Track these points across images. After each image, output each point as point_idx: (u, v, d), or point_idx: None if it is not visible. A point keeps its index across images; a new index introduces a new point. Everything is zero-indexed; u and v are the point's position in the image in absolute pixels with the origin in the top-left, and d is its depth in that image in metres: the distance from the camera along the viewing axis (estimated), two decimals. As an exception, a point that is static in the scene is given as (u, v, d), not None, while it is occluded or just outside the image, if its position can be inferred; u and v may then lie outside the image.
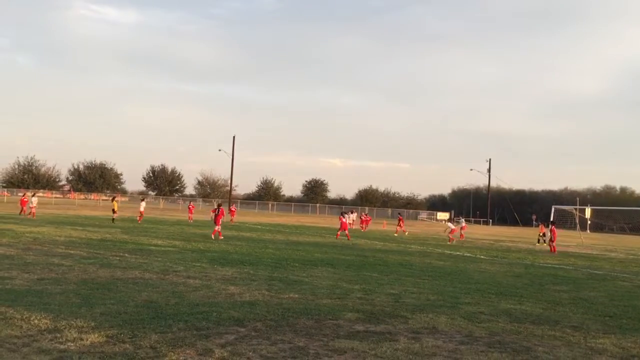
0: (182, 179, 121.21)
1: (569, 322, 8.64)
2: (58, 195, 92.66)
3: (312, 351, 6.12)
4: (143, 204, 37.23)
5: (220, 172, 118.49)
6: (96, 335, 6.29)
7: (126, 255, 15.00)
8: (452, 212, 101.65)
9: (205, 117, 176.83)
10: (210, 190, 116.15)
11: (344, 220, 30.13)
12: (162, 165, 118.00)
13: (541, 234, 34.89)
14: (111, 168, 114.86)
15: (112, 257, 14.35)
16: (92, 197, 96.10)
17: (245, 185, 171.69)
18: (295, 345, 6.31)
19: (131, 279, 10.69)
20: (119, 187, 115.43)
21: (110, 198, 43.54)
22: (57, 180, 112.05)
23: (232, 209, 46.46)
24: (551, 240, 27.59)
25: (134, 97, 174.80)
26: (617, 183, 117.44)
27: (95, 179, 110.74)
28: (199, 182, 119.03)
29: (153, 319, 7.22)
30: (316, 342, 6.49)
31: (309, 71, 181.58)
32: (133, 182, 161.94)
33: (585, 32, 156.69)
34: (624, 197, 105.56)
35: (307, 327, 7.29)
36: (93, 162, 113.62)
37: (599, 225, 65.75)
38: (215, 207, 26.95)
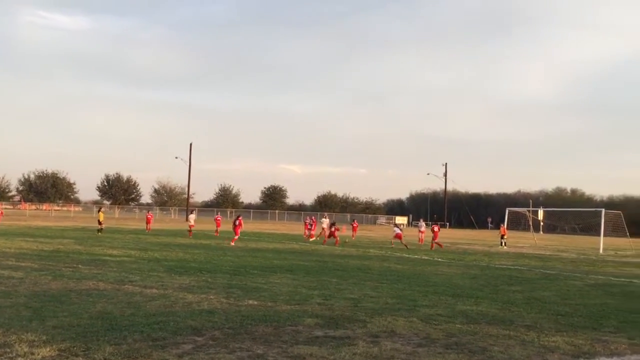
0: (138, 188, 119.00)
1: (523, 321, 8.84)
2: (8, 206, 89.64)
3: (271, 358, 6.09)
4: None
5: (177, 180, 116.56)
6: (48, 349, 6.11)
7: (80, 266, 14.63)
8: (410, 215, 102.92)
9: (160, 124, 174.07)
10: (167, 198, 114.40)
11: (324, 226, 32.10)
12: (117, 173, 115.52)
13: (502, 235, 35.48)
14: (64, 177, 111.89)
15: (65, 268, 13.97)
16: (44, 208, 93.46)
17: (203, 192, 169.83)
18: (253, 353, 6.26)
19: (85, 291, 10.43)
20: (72, 196, 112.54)
21: (97, 209, 42.66)
22: (6, 190, 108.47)
23: (218, 217, 42.44)
24: (433, 239, 29.84)
25: (86, 104, 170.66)
26: (568, 185, 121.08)
27: (47, 188, 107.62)
28: (156, 191, 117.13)
29: (107, 331, 7.06)
30: (275, 349, 6.46)
31: (266, 77, 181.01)
32: (87, 191, 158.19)
33: (535, 37, 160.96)
34: (574, 198, 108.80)
35: (266, 334, 7.24)
36: (45, 172, 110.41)
37: (551, 226, 67.52)
38: (234, 217, 30.01)
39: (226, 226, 36.83)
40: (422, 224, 36.41)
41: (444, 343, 7.08)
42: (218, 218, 40.74)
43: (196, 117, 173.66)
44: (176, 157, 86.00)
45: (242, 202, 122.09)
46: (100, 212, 35.36)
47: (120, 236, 30.78)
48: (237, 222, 28.20)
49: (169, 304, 9.24)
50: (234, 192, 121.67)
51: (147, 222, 40.58)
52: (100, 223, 33.62)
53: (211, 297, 10.17)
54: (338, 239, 30.53)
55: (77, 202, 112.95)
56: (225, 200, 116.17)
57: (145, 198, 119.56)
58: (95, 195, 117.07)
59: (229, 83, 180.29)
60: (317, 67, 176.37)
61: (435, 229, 31.67)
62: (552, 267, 20.47)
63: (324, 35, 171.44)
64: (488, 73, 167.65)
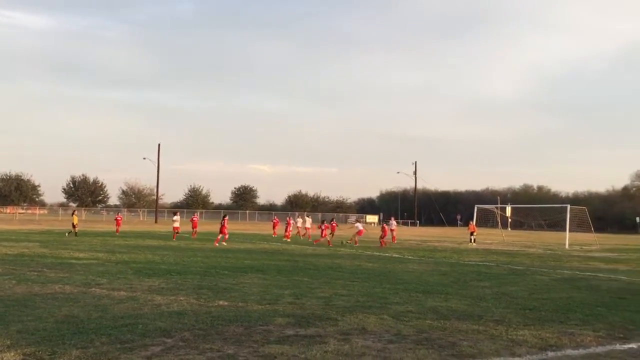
0: (105, 189, 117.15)
1: (492, 316, 8.95)
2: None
3: (242, 358, 6.04)
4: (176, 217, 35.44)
5: (145, 181, 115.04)
6: (12, 354, 5.96)
7: (45, 270, 14.32)
8: (381, 214, 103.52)
9: (128, 125, 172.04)
10: (135, 199, 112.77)
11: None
12: (83, 175, 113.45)
13: (472, 232, 35.87)
14: (28, 179, 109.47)
15: (30, 272, 13.67)
16: (8, 211, 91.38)
17: (172, 193, 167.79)
18: (224, 354, 6.21)
19: (50, 294, 10.21)
20: (37, 199, 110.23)
21: (71, 212, 41.79)
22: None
23: (194, 218, 38.93)
24: (381, 237, 30.02)
25: (50, 105, 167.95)
26: (535, 182, 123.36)
27: (11, 191, 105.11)
28: (124, 192, 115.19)
29: (74, 335, 6.92)
30: (246, 349, 6.41)
31: (234, 77, 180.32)
32: (52, 193, 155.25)
33: (502, 39, 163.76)
34: (541, 195, 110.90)
35: (237, 334, 7.19)
36: (8, 174, 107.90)
37: (519, 222, 68.72)
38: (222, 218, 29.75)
39: (168, 226, 36.30)
40: (393, 222, 36.47)
41: (414, 339, 7.13)
42: (194, 219, 38.36)
43: (164, 117, 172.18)
44: (144, 158, 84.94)
45: (213, 203, 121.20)
46: (74, 215, 35.36)
47: (87, 239, 30.25)
48: (223, 223, 28.65)
49: (137, 307, 9.11)
50: (203, 192, 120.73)
51: (117, 224, 39.87)
52: (74, 226, 33.65)
53: (181, 298, 10.05)
54: (328, 239, 30.49)
55: (42, 204, 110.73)
56: (195, 201, 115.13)
57: (113, 200, 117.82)
58: (61, 198, 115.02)
59: (197, 83, 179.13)
60: (286, 67, 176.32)
61: (388, 226, 31.71)
62: (519, 262, 20.80)
63: (293, 35, 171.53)
64: (456, 73, 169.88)
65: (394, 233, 35.64)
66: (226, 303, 9.63)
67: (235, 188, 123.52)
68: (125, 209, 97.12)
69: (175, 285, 11.88)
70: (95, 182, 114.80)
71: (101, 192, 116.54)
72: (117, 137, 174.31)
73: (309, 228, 36.57)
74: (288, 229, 35.12)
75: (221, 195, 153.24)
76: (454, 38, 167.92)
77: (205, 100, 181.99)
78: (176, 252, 21.54)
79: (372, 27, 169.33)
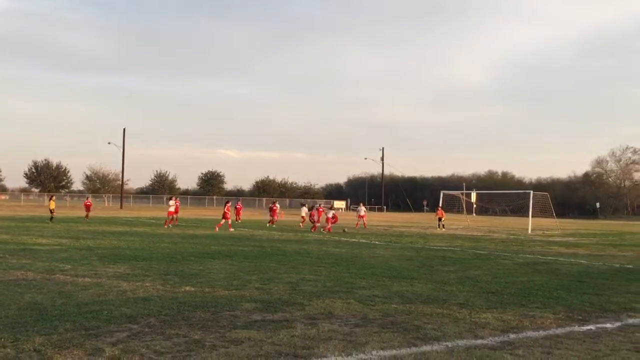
0: (69, 174, 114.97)
1: (456, 299, 9.12)
2: None
3: (209, 343, 6.04)
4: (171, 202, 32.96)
5: (111, 167, 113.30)
6: (-28, 343, 5.84)
7: (7, 256, 14.03)
8: (349, 199, 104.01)
9: (92, 109, 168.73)
10: (100, 185, 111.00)
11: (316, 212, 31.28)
12: (45, 160, 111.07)
13: (440, 218, 36.24)
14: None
15: (-9, 258, 13.37)
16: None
17: (138, 179, 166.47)
18: (190, 339, 6.20)
19: (13, 281, 10.02)
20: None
21: (49, 197, 40.61)
22: None
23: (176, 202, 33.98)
24: (315, 222, 29.92)
25: (10, 88, 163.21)
26: (499, 168, 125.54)
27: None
28: (88, 177, 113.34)
29: (37, 321, 6.81)
30: (212, 334, 6.41)
31: (201, 61, 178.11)
32: (13, 178, 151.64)
33: (467, 26, 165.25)
34: (505, 181, 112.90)
35: (204, 319, 7.18)
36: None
37: (484, 208, 69.81)
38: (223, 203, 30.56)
39: (134, 212, 35.98)
40: (362, 208, 36.64)
41: (380, 323, 7.23)
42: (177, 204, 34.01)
43: (130, 102, 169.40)
44: (109, 143, 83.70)
45: (179, 188, 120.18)
46: (51, 201, 35.01)
47: (51, 225, 29.70)
48: (225, 208, 29.34)
49: (102, 293, 9.01)
50: (170, 178, 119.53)
51: (87, 209, 38.45)
52: (52, 212, 33.41)
53: (147, 284, 9.98)
54: (316, 225, 30.54)
55: (3, 190, 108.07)
56: (161, 187, 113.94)
57: (77, 185, 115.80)
58: (23, 183, 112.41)
59: (163, 67, 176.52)
60: (254, 52, 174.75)
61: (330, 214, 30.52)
62: (483, 247, 21.19)
63: (261, 20, 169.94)
64: (423, 60, 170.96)
65: (365, 219, 35.78)
66: (193, 289, 9.59)
67: (202, 173, 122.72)
68: (90, 195, 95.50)
69: (141, 271, 11.77)
70: (58, 167, 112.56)
71: (64, 178, 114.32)
72: (81, 122, 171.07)
73: (304, 217, 36.00)
74: (274, 216, 35.10)
75: (188, 180, 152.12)
76: (420, 25, 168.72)
77: (171, 84, 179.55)
78: (142, 238, 21.31)
79: (342, 13, 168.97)
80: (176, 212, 33.09)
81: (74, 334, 6.30)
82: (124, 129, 79.64)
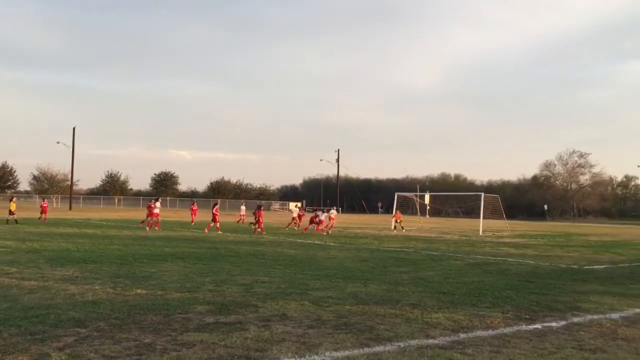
0: (15, 174, 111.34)
1: (409, 300, 9.24)
2: None
3: (160, 347, 5.94)
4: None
5: (60, 167, 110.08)
6: None
7: (-53, 259, 13.47)
8: (304, 201, 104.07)
9: (39, 108, 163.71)
10: (48, 185, 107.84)
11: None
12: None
13: (397, 221, 36.46)
14: None
15: None
16: None
17: (88, 179, 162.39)
18: (141, 343, 6.08)
19: (-47, 285, 9.62)
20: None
21: (9, 198, 38.60)
22: None
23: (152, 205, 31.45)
24: (255, 223, 29.08)
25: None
26: (452, 171, 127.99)
27: None
28: (35, 177, 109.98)
29: (-21, 327, 6.56)
30: (164, 338, 6.31)
31: (154, 60, 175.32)
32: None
33: (420, 31, 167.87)
34: (457, 183, 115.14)
35: (155, 322, 7.06)
36: None
37: (437, 210, 70.92)
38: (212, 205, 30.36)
39: (84, 213, 35.21)
40: (333, 211, 36.28)
41: (333, 324, 7.25)
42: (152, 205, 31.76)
43: (81, 100, 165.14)
44: (58, 142, 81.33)
45: (132, 189, 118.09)
46: (11, 202, 33.77)
47: (8, 227, 28.67)
48: (214, 210, 29.45)
49: (49, 296, 8.75)
50: (122, 178, 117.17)
51: (43, 211, 36.85)
52: (11, 213, 32.14)
53: (96, 287, 9.74)
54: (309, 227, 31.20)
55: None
56: (112, 187, 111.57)
57: (24, 185, 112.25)
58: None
59: (115, 65, 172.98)
60: (208, 52, 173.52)
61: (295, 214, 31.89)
62: (436, 248, 21.54)
63: (215, 20, 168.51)
64: (376, 63, 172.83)
65: (332, 222, 35.24)
66: (144, 291, 9.42)
67: (155, 174, 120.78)
68: (37, 195, 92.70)
69: (91, 274, 11.49)
70: (4, 166, 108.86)
71: (10, 178, 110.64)
72: (28, 120, 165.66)
73: (295, 217, 35.75)
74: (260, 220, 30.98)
75: (140, 181, 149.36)
76: (373, 29, 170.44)
77: (123, 83, 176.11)
78: (92, 240, 20.81)
79: (295, 15, 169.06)
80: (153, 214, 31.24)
81: (19, 338, 6.09)
82: (74, 128, 77.67)
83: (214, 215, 29.36)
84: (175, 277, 11.23)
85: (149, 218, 30.12)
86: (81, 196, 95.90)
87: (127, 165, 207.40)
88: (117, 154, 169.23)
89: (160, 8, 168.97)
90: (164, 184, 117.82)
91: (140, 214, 61.30)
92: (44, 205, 37.81)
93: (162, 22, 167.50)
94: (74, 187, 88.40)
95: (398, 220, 36.35)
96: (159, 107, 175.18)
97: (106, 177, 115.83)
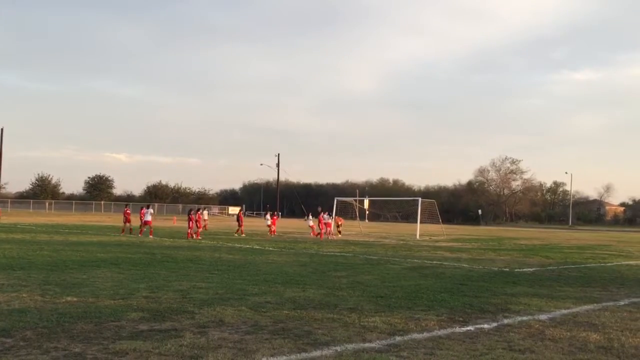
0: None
1: (347, 304, 9.31)
2: None
3: (90, 356, 5.74)
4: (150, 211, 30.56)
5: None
6: None
7: None
8: (244, 206, 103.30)
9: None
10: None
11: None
12: None
13: (338, 224, 36.43)
14: None
15: None
16: None
17: (17, 182, 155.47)
18: (70, 352, 5.86)
19: None
20: None
21: None
22: None
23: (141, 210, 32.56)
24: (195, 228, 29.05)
25: None
26: (390, 176, 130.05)
27: None
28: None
29: None
30: (95, 346, 6.11)
31: (87, 60, 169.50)
32: None
33: (359, 36, 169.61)
34: (396, 188, 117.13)
35: (86, 331, 6.82)
36: None
37: (376, 214, 71.96)
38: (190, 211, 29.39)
39: (12, 218, 33.88)
40: (269, 216, 35.85)
41: (271, 329, 7.22)
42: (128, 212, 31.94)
43: (10, 100, 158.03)
44: (-16, 143, 77.46)
45: (64, 193, 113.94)
46: None
47: None
48: (190, 216, 28.85)
49: (-28, 305, 8.31)
50: (53, 182, 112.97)
51: None
52: None
53: (23, 295, 9.33)
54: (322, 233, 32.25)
55: None
56: (43, 191, 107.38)
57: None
58: None
59: (45, 64, 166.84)
60: (145, 53, 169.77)
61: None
62: (374, 252, 21.81)
63: (153, 21, 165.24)
64: (314, 67, 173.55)
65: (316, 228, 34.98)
66: (75, 299, 9.10)
67: (89, 177, 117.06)
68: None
69: (18, 281, 11.00)
70: None
71: None
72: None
73: (270, 225, 34.88)
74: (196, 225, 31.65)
75: (73, 185, 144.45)
76: (314, 34, 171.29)
77: (54, 82, 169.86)
78: (20, 246, 19.94)
79: (234, 17, 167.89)
80: (128, 221, 30.81)
81: (-64, 351, 5.76)
82: (2, 129, 74.23)
83: (196, 221, 28.91)
84: (109, 284, 10.90)
85: (129, 225, 30.01)
86: (9, 200, 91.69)
87: (59, 167, 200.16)
88: (47, 156, 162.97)
89: (98, 5, 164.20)
90: (98, 188, 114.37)
91: (70, 218, 59.24)
92: None
93: (96, 20, 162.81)
94: (1, 191, 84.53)
95: (339, 224, 36.33)
96: (93, 108, 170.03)
97: (36, 180, 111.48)
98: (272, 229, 34.65)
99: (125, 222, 30.75)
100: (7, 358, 5.58)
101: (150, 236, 28.26)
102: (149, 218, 29.62)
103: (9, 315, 7.60)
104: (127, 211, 31.13)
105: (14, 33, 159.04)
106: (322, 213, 34.27)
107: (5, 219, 50.35)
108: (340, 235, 34.78)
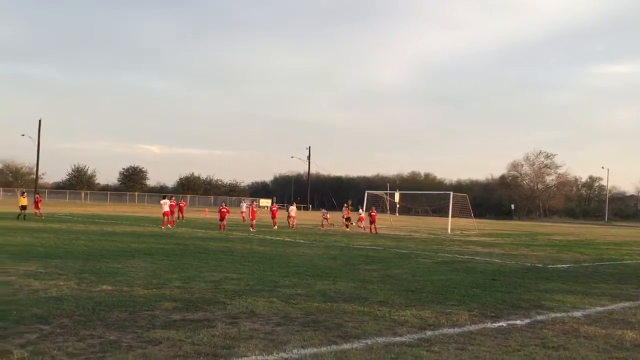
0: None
1: (377, 298, 9.29)
2: None
3: (125, 344, 5.86)
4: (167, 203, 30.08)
5: (24, 160, 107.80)
6: None
7: None
8: (274, 198, 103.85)
9: (4, 100, 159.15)
10: (12, 178, 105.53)
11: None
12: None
13: (345, 217, 35.85)
14: None
15: None
16: None
17: (54, 173, 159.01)
18: (106, 340, 5.99)
19: None
20: None
21: (20, 192, 37.22)
22: None
23: (182, 204, 35.65)
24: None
25: None
26: (422, 169, 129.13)
27: None
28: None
29: (-63, 323, 6.39)
30: (129, 335, 6.23)
31: (122, 54, 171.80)
32: None
33: (390, 29, 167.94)
34: (427, 181, 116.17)
35: (121, 319, 6.96)
36: None
37: (406, 208, 71.36)
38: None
39: (50, 208, 34.48)
40: (293, 207, 35.90)
41: (302, 321, 7.26)
42: (181, 204, 34.03)
43: (46, 93, 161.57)
44: (23, 135, 79.62)
45: (99, 184, 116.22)
46: (22, 197, 33.45)
47: (21, 222, 27.95)
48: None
49: (11, 292, 8.56)
50: (89, 172, 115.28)
51: (36, 206, 34.86)
52: (23, 208, 32.13)
53: (61, 283, 9.56)
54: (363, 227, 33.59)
55: None
56: (79, 182, 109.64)
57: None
58: None
59: (81, 58, 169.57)
60: (178, 47, 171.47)
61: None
62: (405, 246, 21.71)
63: (184, 15, 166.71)
64: (347, 60, 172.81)
65: (293, 220, 35.00)
66: (110, 288, 9.28)
67: (123, 169, 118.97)
68: (1, 188, 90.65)
69: (55, 269, 11.28)
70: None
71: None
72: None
73: (294, 217, 34.77)
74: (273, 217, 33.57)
75: (108, 176, 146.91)
76: (345, 27, 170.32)
77: (90, 76, 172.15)
78: (57, 235, 20.43)
79: (265, 11, 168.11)
80: (172, 212, 30.83)
81: (-22, 336, 5.95)
82: (40, 121, 76.06)
83: (223, 212, 29.17)
84: (142, 274, 11.10)
85: (169, 217, 29.83)
86: (47, 190, 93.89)
87: (94, 159, 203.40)
88: (84, 147, 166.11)
89: (127, 2, 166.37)
90: (132, 179, 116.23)
91: (105, 209, 60.37)
92: (37, 199, 35.94)
93: (129, 15, 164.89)
94: (40, 181, 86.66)
95: (349, 218, 35.61)
96: (127, 101, 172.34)
97: (72, 171, 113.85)
98: (276, 222, 33.57)
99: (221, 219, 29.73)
100: (45, 344, 5.73)
101: (168, 227, 28.31)
102: (166, 209, 29.27)
103: (46, 303, 7.80)
104: (223, 209, 29.95)
105: (51, 29, 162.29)
106: (346, 205, 35.25)
107: (43, 208, 51.57)
108: (347, 229, 33.92)
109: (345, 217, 35.87)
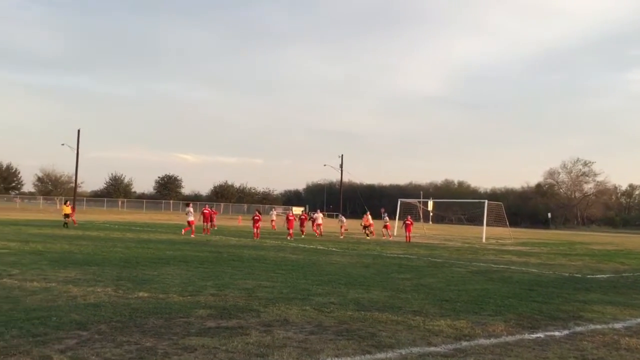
0: (19, 176, 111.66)
1: (411, 307, 9.21)
2: None
3: (161, 351, 5.93)
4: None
5: (63, 168, 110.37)
6: None
7: (-49, 259, 13.50)
8: (307, 206, 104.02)
9: (44, 110, 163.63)
10: (52, 187, 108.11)
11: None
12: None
13: (363, 225, 35.28)
14: None
15: None
16: None
17: (92, 181, 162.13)
18: (142, 346, 6.08)
19: (-44, 286, 9.64)
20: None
21: (64, 201, 38.31)
22: None
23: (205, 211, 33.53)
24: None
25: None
26: (455, 177, 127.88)
27: None
28: (39, 179, 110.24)
29: (-19, 328, 6.57)
30: (165, 342, 6.31)
31: (157, 64, 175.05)
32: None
33: (422, 36, 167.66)
34: (461, 190, 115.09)
35: (156, 326, 7.05)
36: None
37: (440, 216, 70.74)
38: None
39: (87, 216, 35.31)
40: (319, 214, 36.25)
41: (335, 330, 7.24)
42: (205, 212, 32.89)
43: (84, 103, 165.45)
44: (63, 144, 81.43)
45: (135, 192, 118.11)
46: (65, 205, 34.41)
47: (65, 230, 28.75)
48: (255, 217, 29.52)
49: (51, 298, 8.76)
50: (125, 181, 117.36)
51: (71, 215, 34.07)
52: (67, 216, 32.83)
53: (98, 290, 9.75)
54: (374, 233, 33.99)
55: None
56: (116, 190, 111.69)
57: (28, 187, 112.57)
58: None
59: (118, 68, 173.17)
60: (211, 56, 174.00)
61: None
62: (439, 255, 21.48)
63: (219, 25, 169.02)
64: (379, 68, 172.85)
65: (344, 228, 34.99)
66: (146, 294, 9.42)
67: (159, 177, 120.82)
68: (41, 197, 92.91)
69: (93, 276, 11.50)
70: (8, 167, 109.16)
71: (15, 179, 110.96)
72: (33, 122, 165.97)
73: (321, 224, 35.30)
74: (301, 225, 34.47)
75: (144, 184, 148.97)
76: (377, 35, 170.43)
77: (126, 85, 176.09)
78: (95, 243, 20.84)
79: (297, 21, 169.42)
80: (206, 220, 31.59)
81: (20, 340, 6.10)
82: (79, 130, 77.61)
83: (255, 220, 29.38)
84: (177, 281, 11.23)
85: (205, 224, 30.94)
86: (85, 198, 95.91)
87: (131, 167, 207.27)
88: (120, 156, 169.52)
89: (164, 11, 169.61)
90: (167, 187, 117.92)
91: (141, 217, 61.36)
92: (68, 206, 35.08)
93: (166, 25, 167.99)
94: (78, 189, 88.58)
95: (367, 226, 34.90)
96: (162, 110, 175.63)
97: (110, 179, 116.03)
98: (304, 230, 34.14)
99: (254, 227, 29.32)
100: (84, 350, 5.84)
101: (192, 235, 27.46)
102: (191, 218, 28.67)
103: (84, 309, 7.95)
104: (257, 216, 29.83)
105: (89, 38, 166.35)
106: (367, 213, 35.17)
107: (81, 216, 52.70)
108: (368, 237, 33.40)
109: (363, 224, 35.40)
